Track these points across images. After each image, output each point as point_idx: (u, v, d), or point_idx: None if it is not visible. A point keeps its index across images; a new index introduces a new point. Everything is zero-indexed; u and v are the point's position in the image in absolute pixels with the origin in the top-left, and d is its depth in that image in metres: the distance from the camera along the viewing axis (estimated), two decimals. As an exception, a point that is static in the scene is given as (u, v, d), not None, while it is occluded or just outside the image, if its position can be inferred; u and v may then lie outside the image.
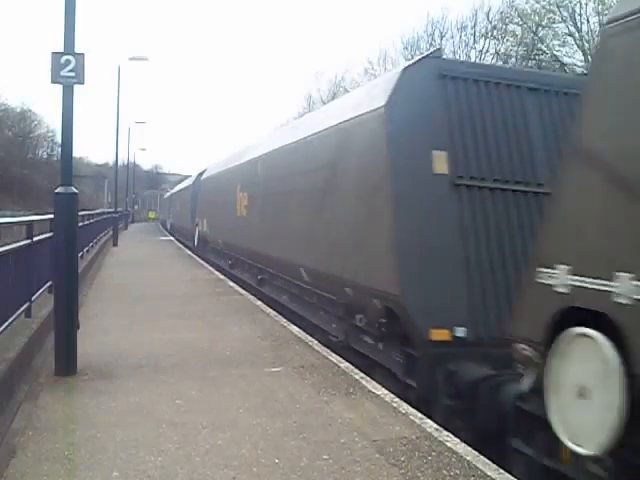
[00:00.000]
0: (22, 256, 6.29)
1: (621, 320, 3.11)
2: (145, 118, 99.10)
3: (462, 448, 3.90)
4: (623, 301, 3.10)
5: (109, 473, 3.45)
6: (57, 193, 5.47)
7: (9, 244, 6.21)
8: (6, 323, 5.46)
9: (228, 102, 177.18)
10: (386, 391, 5.10)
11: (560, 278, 3.61)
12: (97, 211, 25.15)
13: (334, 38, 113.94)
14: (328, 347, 6.79)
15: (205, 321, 8.25)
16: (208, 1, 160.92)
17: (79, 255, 10.82)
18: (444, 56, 7.49)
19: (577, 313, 3.41)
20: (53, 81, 5.37)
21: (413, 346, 5.68)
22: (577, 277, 3.47)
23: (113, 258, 18.61)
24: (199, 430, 4.13)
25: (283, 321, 8.33)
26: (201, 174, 23.22)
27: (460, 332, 5.30)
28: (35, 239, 6.90)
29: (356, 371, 5.72)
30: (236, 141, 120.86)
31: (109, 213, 28.78)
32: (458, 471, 3.54)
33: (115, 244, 24.13)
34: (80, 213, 9.26)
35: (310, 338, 7.19)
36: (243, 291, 11.52)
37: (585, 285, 3.40)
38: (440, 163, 5.81)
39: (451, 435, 4.14)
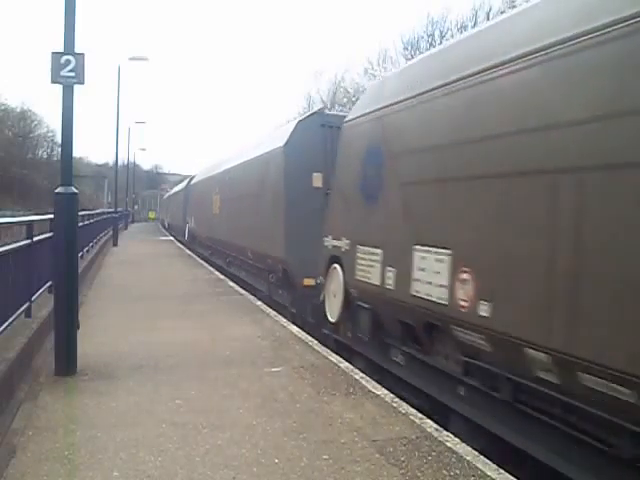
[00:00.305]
0: (22, 256, 6.29)
1: (342, 259, 7.00)
2: (145, 118, 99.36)
3: (462, 448, 3.90)
4: (344, 250, 6.93)
5: (109, 473, 3.45)
6: (57, 193, 5.47)
7: (9, 244, 6.21)
8: (6, 323, 5.46)
9: (228, 102, 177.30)
10: (386, 391, 5.10)
11: (328, 242, 7.45)
12: (97, 211, 25.16)
13: (334, 38, 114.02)
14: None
15: (205, 321, 8.25)
16: (208, 1, 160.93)
17: (79, 255, 10.83)
18: (326, 111, 11.65)
19: (333, 258, 7.27)
20: (53, 81, 5.37)
21: (295, 289, 9.91)
22: (333, 241, 7.31)
23: (113, 258, 18.62)
24: (199, 430, 4.13)
25: (283, 321, 8.34)
26: (191, 179, 27.88)
27: (320, 280, 7.98)
28: (35, 239, 6.90)
29: (356, 371, 5.73)
30: (236, 141, 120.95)
31: (109, 213, 28.78)
32: (458, 471, 3.54)
33: (115, 244, 24.15)
34: (80, 213, 9.26)
35: (310, 338, 7.20)
36: (243, 291, 11.53)
37: (334, 245, 7.25)
38: (317, 181, 9.66)
39: (451, 435, 4.14)
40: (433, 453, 3.79)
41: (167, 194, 52.30)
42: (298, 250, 9.33)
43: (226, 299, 10.37)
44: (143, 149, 69.09)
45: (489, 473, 3.51)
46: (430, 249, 5.05)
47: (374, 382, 5.39)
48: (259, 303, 10.02)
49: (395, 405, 4.72)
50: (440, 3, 60.63)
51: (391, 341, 6.20)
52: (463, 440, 4.05)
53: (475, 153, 4.57)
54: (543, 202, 3.83)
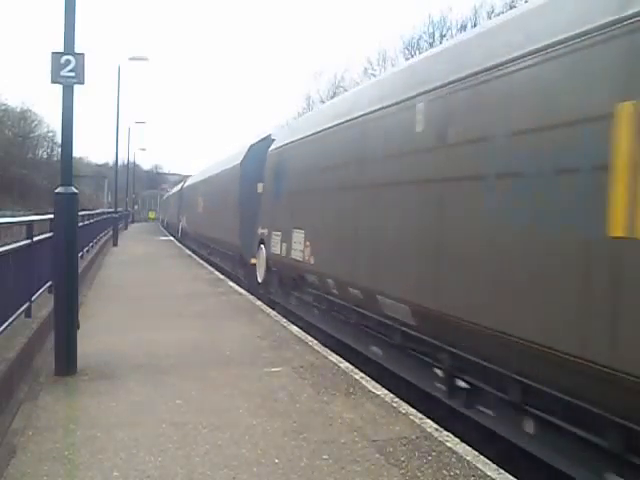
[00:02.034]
0: (22, 256, 6.29)
1: (264, 240, 11.29)
2: (145, 118, 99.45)
3: (462, 448, 3.90)
4: (265, 234, 11.17)
5: (109, 473, 3.45)
6: (57, 193, 5.47)
7: (9, 244, 6.21)
8: (6, 323, 5.46)
9: (228, 102, 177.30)
10: (386, 391, 5.10)
11: (260, 230, 11.60)
12: (97, 211, 25.13)
13: (334, 38, 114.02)
14: (326, 346, 6.82)
15: (205, 321, 8.25)
16: (208, 1, 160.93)
17: (79, 255, 10.83)
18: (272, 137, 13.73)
19: (260, 240, 11.61)
20: (53, 81, 5.37)
21: (246, 266, 13.36)
22: (261, 229, 11.59)
23: (113, 258, 18.62)
24: (199, 430, 4.13)
25: (283, 321, 8.34)
26: (184, 183, 31.91)
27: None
28: (35, 239, 6.89)
29: (356, 371, 5.73)
30: (235, 141, 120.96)
31: (109, 213, 28.77)
32: (458, 471, 3.54)
33: (115, 244, 24.14)
34: (80, 213, 9.26)
35: (310, 338, 7.20)
36: (243, 291, 11.53)
37: (262, 232, 11.50)
38: (260, 188, 12.17)
39: (451, 435, 4.14)
40: (433, 453, 3.79)
41: (166, 195, 53.99)
42: (247, 238, 13.00)
43: (226, 299, 10.37)
44: (143, 149, 69.35)
45: (489, 473, 3.51)
46: (298, 230, 8.92)
47: (374, 382, 5.39)
48: (259, 303, 10.02)
49: (395, 405, 4.72)
50: (441, 2, 60.54)
51: (288, 289, 10.16)
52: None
53: (322, 177, 8.14)
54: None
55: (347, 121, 7.30)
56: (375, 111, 6.47)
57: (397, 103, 5.93)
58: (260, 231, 11.54)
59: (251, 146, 13.90)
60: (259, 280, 11.72)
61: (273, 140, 12.26)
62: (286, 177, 9.90)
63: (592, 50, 3.54)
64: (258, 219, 11.79)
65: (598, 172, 3.39)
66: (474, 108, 4.58)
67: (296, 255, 8.79)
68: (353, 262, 6.85)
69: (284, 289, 10.30)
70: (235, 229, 14.11)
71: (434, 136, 5.13)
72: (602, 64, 3.45)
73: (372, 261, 6.36)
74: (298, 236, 8.69)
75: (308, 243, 8.28)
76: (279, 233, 9.91)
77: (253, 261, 12.60)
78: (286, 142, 10.31)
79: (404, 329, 5.86)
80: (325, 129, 8.16)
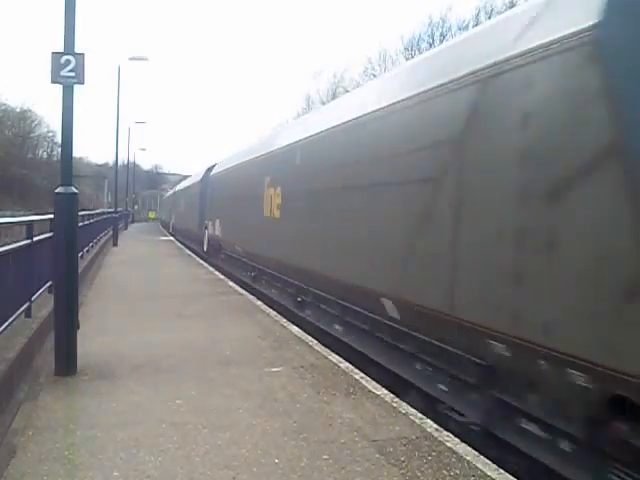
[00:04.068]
0: (22, 256, 6.29)
1: (207, 226, 21.30)
2: (145, 118, 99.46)
3: (462, 448, 3.90)
4: (207, 223, 20.97)
5: (109, 473, 3.45)
6: (57, 193, 5.47)
7: (9, 244, 6.21)
8: (6, 323, 5.46)
9: (228, 102, 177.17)
10: (386, 391, 5.10)
11: (205, 221, 21.16)
12: (97, 211, 25.13)
13: (334, 37, 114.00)
14: (327, 346, 6.82)
15: (205, 321, 8.25)
16: (208, 1, 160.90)
17: (79, 255, 10.83)
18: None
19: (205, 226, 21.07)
20: (53, 81, 5.37)
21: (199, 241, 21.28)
22: (206, 220, 21.15)
23: (113, 258, 18.61)
24: (199, 430, 4.13)
25: (283, 321, 8.34)
26: (210, 169, 21.92)
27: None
28: (35, 239, 6.89)
29: (356, 371, 5.73)
30: (236, 141, 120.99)
31: (109, 213, 28.77)
32: (458, 471, 3.54)
33: (115, 244, 24.14)
34: (80, 213, 9.26)
35: (310, 338, 7.19)
36: (243, 291, 11.53)
37: (206, 222, 21.11)
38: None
39: (451, 435, 4.14)
40: (433, 453, 3.79)
41: (172, 190, 46.74)
42: (200, 225, 20.82)
43: (226, 299, 10.37)
44: (143, 149, 69.47)
45: (489, 473, 3.51)
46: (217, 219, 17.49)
47: (374, 382, 5.39)
48: (259, 303, 10.01)
49: (395, 405, 4.72)
50: (442, 2, 60.48)
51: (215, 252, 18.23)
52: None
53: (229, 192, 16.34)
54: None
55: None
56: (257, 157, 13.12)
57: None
58: (205, 222, 20.67)
59: (207, 170, 22.29)
60: (204, 249, 20.90)
61: (214, 166, 21.02)
62: (216, 189, 18.90)
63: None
64: (205, 214, 20.51)
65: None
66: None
67: (217, 233, 17.88)
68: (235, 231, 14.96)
69: (214, 252, 19.22)
70: (195, 220, 23.34)
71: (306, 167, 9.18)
72: None
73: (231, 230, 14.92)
74: (217, 222, 17.91)
75: (220, 226, 17.42)
76: (211, 222, 19.10)
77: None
78: (219, 170, 18.89)
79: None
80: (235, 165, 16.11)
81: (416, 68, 6.50)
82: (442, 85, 5.09)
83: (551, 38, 3.80)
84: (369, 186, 6.52)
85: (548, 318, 3.72)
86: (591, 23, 3.47)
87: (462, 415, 4.93)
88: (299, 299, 9.85)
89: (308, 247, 8.54)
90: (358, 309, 7.23)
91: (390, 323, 6.28)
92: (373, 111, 6.52)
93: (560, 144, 3.70)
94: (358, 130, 6.93)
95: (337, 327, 8.11)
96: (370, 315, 6.87)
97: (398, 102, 5.93)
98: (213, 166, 21.34)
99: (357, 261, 6.76)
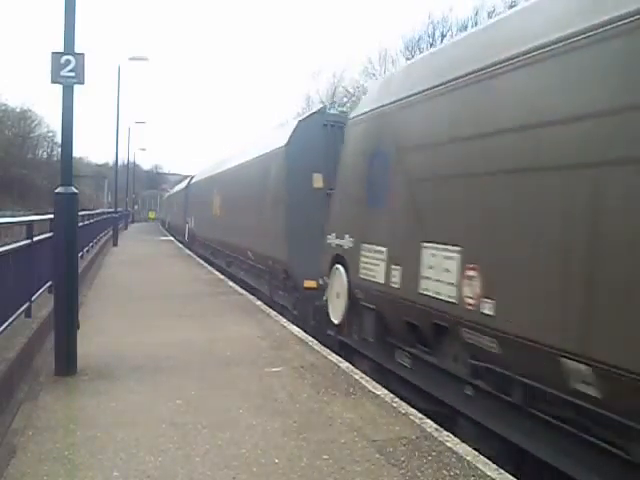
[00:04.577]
0: (22, 256, 6.29)
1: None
2: (145, 118, 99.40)
3: (462, 448, 3.90)
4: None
5: (109, 473, 3.45)
6: (57, 193, 5.47)
7: (9, 244, 6.21)
8: (6, 323, 5.46)
9: (228, 102, 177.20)
10: (386, 391, 5.10)
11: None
12: (97, 211, 25.13)
13: (334, 37, 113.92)
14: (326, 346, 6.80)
15: (205, 321, 8.25)
16: (208, 1, 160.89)
17: (79, 255, 10.83)
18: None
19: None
20: (53, 81, 5.36)
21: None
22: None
23: (113, 258, 18.61)
24: (199, 430, 4.13)
25: (283, 321, 8.34)
26: (191, 179, 28.85)
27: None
28: (35, 239, 6.89)
29: (356, 371, 5.73)
30: (235, 141, 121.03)
31: (109, 213, 28.76)
32: (458, 471, 3.54)
33: (115, 244, 24.14)
34: (80, 213, 9.26)
35: (310, 338, 7.19)
36: (243, 291, 11.53)
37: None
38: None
39: (451, 435, 4.14)
40: (433, 453, 3.79)
41: (168, 194, 52.00)
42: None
43: (226, 299, 10.37)
44: (143, 149, 69.13)
45: (489, 473, 3.51)
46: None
47: (374, 382, 5.39)
48: (259, 303, 10.02)
49: (395, 405, 4.72)
50: (442, 2, 60.53)
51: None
52: (471, 445, 4.03)
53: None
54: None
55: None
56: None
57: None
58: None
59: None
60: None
61: (194, 176, 17.42)
62: (193, 195, 13.76)
63: None
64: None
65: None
66: None
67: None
68: (201, 224, 13.83)
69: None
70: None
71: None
72: None
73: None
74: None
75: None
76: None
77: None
78: (194, 181, 13.58)
79: None
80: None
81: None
82: None
83: None
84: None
85: None
86: None
87: None
88: (228, 260, 16.58)
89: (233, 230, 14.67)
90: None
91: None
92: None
93: None
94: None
95: (242, 272, 14.51)
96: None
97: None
98: (193, 177, 27.72)
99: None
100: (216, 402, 4.76)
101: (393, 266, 5.73)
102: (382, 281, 5.91)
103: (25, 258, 6.42)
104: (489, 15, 29.60)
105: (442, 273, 4.89)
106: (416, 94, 5.61)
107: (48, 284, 7.74)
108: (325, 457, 3.71)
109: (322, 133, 9.84)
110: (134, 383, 5.22)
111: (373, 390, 5.10)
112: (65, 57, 5.34)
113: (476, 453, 3.82)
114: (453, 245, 4.78)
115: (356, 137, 7.01)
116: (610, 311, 3.29)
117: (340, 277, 7.00)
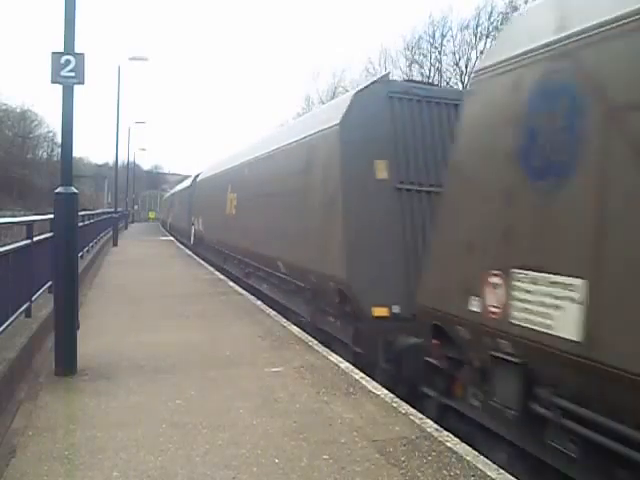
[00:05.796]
0: (22, 256, 6.29)
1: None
2: (145, 118, 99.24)
3: (462, 448, 3.90)
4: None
5: (109, 473, 3.45)
6: (57, 193, 5.47)
7: (9, 244, 6.21)
8: (6, 323, 5.46)
9: (228, 102, 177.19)
10: (386, 391, 5.10)
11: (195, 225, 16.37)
12: (97, 211, 25.14)
13: (334, 37, 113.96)
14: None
15: (205, 321, 8.25)
16: (208, 1, 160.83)
17: (79, 255, 10.82)
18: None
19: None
20: (53, 81, 5.37)
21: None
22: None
23: (113, 258, 18.60)
24: (199, 430, 4.13)
25: (283, 321, 8.33)
26: (197, 176, 26.11)
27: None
28: (35, 239, 6.89)
29: (356, 371, 5.73)
30: (236, 141, 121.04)
31: (109, 213, 28.75)
32: (458, 471, 3.54)
33: (115, 244, 24.13)
34: (80, 213, 9.25)
35: (310, 338, 7.19)
36: (243, 291, 11.53)
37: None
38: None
39: (451, 435, 4.14)
40: (433, 453, 3.79)
41: (169, 193, 50.78)
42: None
43: (226, 299, 10.37)
44: (143, 149, 69.22)
45: (489, 473, 3.51)
46: None
47: (374, 382, 5.39)
48: (259, 303, 10.01)
49: (395, 405, 4.72)
50: (442, 2, 60.54)
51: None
52: None
53: None
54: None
55: None
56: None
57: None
58: (192, 219, 7.23)
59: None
60: (191, 242, 6.98)
61: (200, 174, 13.83)
62: (200, 193, 10.54)
63: None
64: (192, 213, 7.20)
65: None
66: None
67: (200, 228, 6.04)
68: (211, 226, 15.22)
69: (199, 243, 8.26)
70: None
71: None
72: None
73: None
74: (200, 219, 5.77)
75: (202, 223, 5.91)
76: (196, 219, 6.55)
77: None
78: (202, 178, 10.04)
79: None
80: None
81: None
82: None
83: None
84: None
85: None
86: None
87: None
88: (247, 271, 13.37)
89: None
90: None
91: None
92: None
93: None
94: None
95: (265, 285, 11.59)
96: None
97: None
98: (199, 174, 24.64)
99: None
100: (216, 402, 4.76)
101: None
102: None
103: (25, 258, 6.42)
104: (489, 15, 29.51)
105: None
106: None
107: (48, 284, 7.74)
108: (325, 457, 3.71)
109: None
110: (134, 383, 5.22)
111: (373, 390, 5.10)
112: (65, 57, 5.34)
113: (476, 453, 3.82)
114: None
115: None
116: None
117: None
